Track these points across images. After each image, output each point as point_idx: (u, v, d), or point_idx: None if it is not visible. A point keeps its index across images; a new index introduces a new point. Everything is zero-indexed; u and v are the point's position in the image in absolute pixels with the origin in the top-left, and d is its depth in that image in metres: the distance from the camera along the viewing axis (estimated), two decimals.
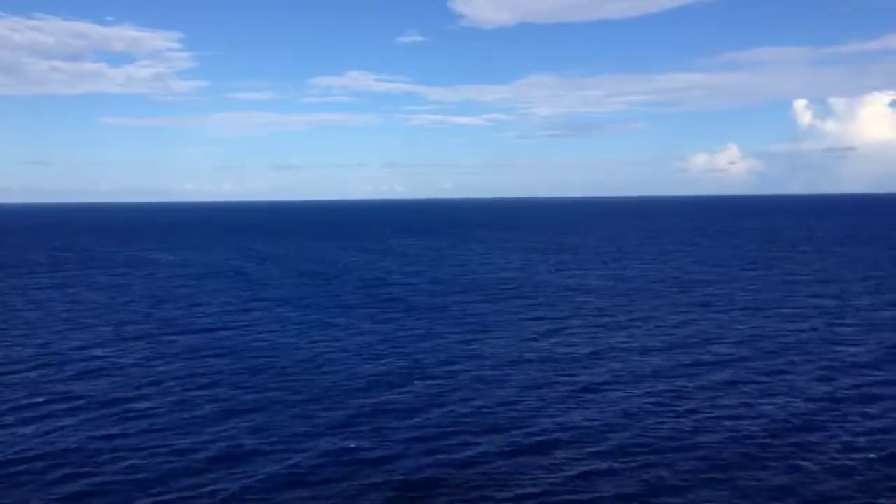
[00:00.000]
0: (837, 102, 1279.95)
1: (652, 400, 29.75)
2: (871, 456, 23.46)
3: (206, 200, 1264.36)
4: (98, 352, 40.04)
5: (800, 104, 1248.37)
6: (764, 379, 32.60)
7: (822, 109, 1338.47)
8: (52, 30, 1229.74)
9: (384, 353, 39.14)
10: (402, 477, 22.42)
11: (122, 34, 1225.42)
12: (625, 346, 40.08)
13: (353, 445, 25.09)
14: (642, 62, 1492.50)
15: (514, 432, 26.18)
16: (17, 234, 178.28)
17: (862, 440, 24.87)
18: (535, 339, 42.04)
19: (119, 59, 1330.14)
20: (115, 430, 26.83)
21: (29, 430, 26.91)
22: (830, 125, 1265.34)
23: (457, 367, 35.82)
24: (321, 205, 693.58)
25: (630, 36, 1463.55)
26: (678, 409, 28.55)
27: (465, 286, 66.19)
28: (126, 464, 23.62)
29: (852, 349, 38.07)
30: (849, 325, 44.47)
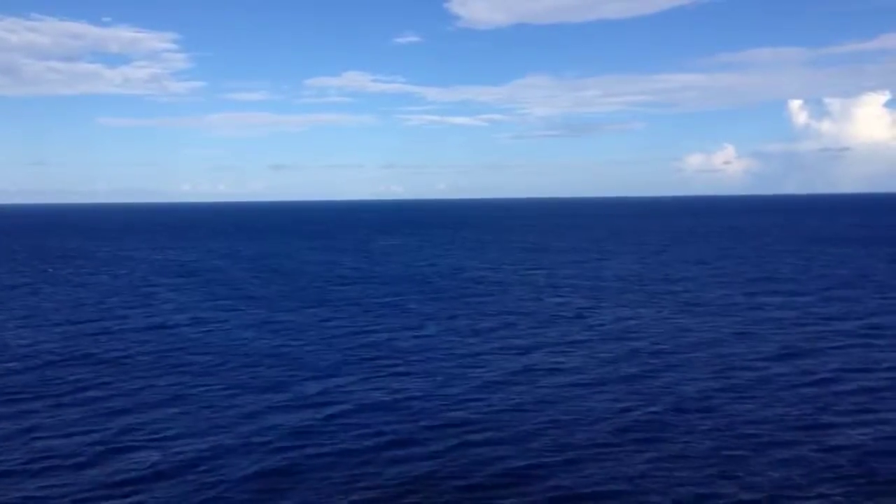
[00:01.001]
0: (833, 103, 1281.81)
1: (573, 390, 30.58)
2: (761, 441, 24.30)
3: (203, 201, 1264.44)
4: (45, 345, 40.78)
5: (795, 104, 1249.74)
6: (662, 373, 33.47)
7: (818, 110, 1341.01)
8: (49, 30, 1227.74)
9: (322, 348, 39.88)
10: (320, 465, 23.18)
11: (119, 35, 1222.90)
12: (561, 340, 40.89)
13: (284, 437, 25.84)
14: (638, 63, 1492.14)
15: (442, 424, 26.95)
16: (6, 236, 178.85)
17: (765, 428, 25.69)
18: (479, 335, 42.82)
19: (116, 59, 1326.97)
20: (37, 421, 27.61)
21: None
22: (826, 125, 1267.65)
23: (390, 361, 36.57)
24: (317, 205, 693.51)
25: (626, 37, 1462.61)
26: (593, 397, 29.38)
27: (428, 284, 67.03)
28: (44, 452, 24.35)
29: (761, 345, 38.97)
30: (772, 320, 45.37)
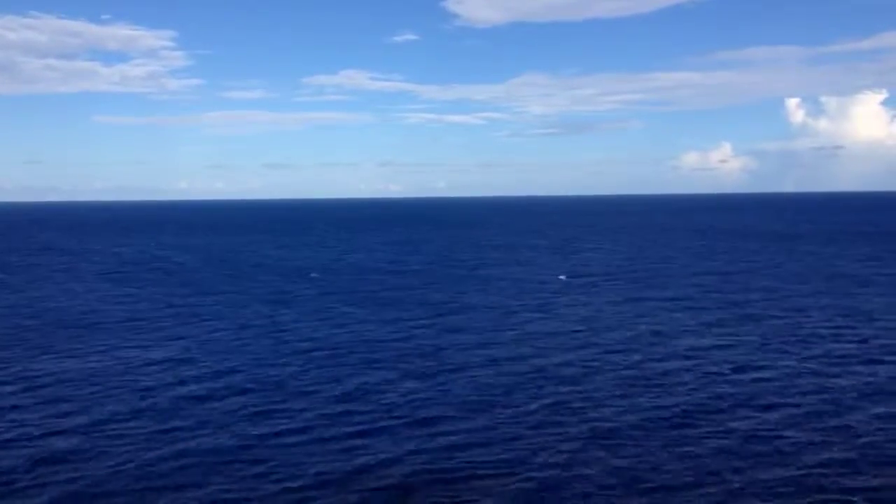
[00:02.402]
0: (829, 101, 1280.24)
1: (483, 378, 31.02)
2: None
3: (199, 199, 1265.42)
4: None
5: (792, 102, 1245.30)
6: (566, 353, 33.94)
7: (815, 108, 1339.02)
8: (47, 28, 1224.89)
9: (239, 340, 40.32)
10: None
11: (117, 33, 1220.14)
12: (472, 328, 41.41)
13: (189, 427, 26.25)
14: (635, 61, 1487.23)
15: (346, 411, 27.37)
16: None
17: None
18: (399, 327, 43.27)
19: (113, 57, 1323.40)
20: None
21: None
22: (822, 124, 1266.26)
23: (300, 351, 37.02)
24: (312, 204, 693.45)
25: (623, 35, 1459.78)
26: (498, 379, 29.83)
27: (379, 279, 67.58)
28: None
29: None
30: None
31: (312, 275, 71.24)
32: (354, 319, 46.26)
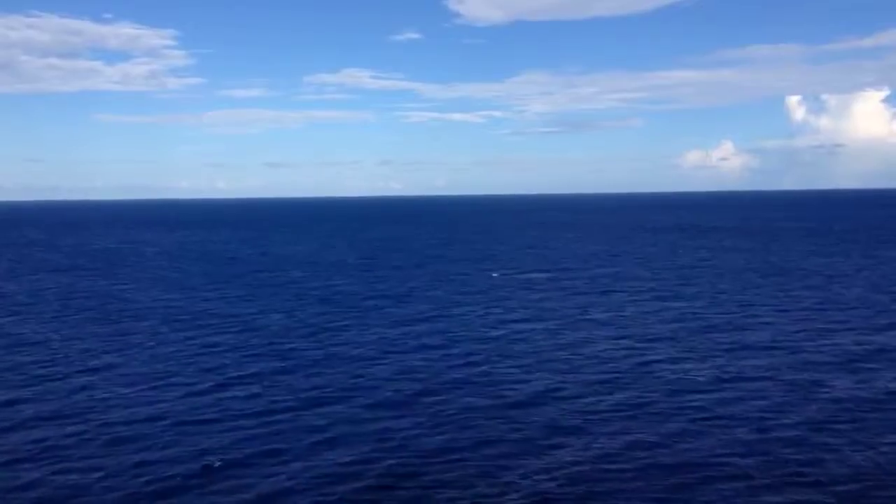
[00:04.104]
0: (830, 99, 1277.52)
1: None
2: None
3: (200, 198, 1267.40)
4: None
5: (793, 100, 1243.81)
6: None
7: (816, 106, 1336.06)
8: (49, 27, 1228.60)
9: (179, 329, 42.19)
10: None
11: (119, 32, 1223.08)
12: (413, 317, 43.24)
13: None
14: (636, 59, 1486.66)
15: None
16: None
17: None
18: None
19: (115, 56, 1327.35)
20: None
21: None
22: (823, 121, 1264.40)
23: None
24: (312, 202, 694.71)
25: (624, 33, 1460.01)
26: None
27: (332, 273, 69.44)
28: None
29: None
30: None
31: (278, 270, 73.18)
32: (291, 310, 48.26)
